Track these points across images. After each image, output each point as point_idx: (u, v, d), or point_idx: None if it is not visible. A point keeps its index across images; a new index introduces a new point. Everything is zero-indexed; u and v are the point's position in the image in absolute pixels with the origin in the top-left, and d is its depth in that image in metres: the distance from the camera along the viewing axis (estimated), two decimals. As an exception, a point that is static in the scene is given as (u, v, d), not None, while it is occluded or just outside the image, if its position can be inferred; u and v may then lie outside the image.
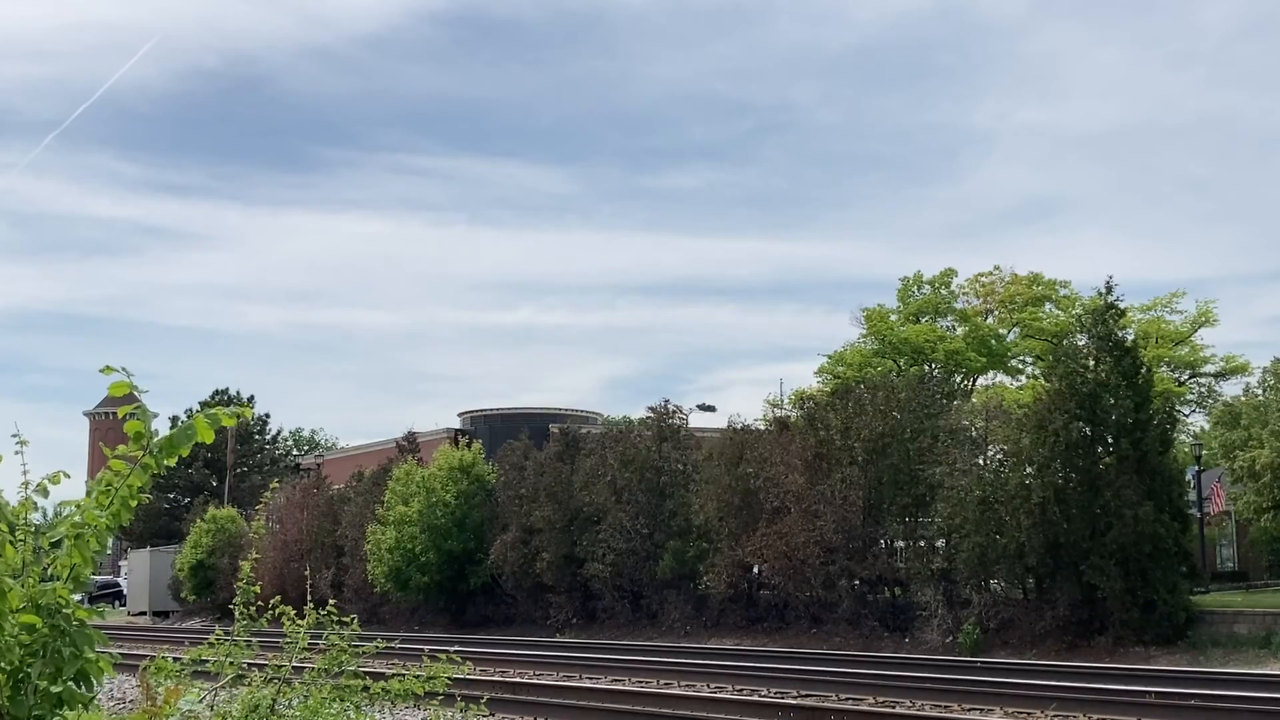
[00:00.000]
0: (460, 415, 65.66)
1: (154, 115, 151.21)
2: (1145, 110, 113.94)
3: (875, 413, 32.20)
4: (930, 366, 58.72)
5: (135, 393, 3.89)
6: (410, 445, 48.89)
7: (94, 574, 3.99)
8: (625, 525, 36.93)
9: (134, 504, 3.86)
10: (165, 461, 3.83)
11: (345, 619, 7.76)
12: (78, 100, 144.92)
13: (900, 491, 31.37)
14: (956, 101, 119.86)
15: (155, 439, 3.82)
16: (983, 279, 62.87)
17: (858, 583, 32.87)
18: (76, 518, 3.75)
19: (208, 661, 7.35)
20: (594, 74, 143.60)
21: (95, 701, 3.82)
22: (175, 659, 7.41)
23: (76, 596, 3.78)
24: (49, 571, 3.74)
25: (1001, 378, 62.25)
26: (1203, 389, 62.46)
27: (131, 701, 16.66)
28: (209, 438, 3.83)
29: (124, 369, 3.83)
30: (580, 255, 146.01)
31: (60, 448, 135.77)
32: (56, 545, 3.80)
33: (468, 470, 43.13)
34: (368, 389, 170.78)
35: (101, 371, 3.81)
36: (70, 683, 3.63)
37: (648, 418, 39.57)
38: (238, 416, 3.95)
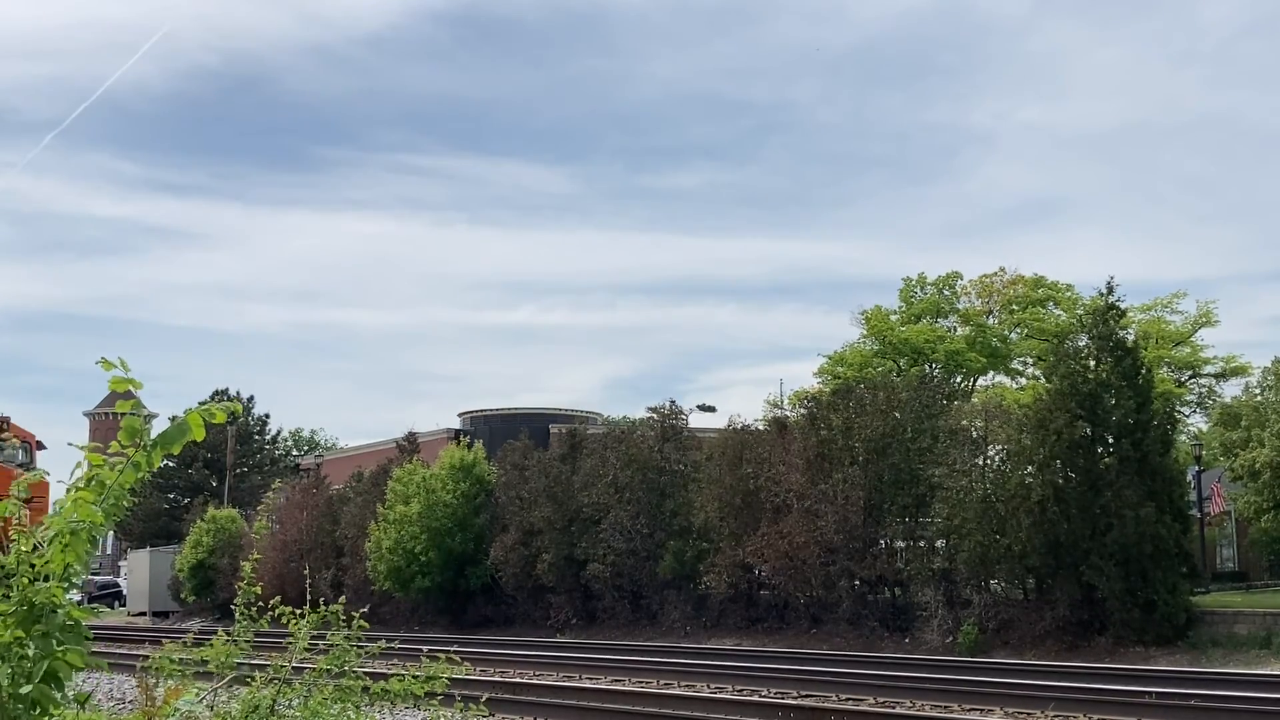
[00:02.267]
0: (460, 415, 65.72)
1: (154, 115, 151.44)
2: (1146, 110, 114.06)
3: (876, 412, 32.20)
4: (931, 367, 58.71)
5: (132, 389, 3.87)
6: (410, 445, 48.84)
7: (93, 574, 3.98)
8: (626, 525, 36.91)
9: (125, 503, 3.85)
10: (154, 461, 3.81)
11: (352, 615, 7.71)
12: (78, 100, 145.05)
13: (901, 491, 31.37)
14: (957, 101, 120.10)
15: (149, 436, 3.80)
16: (985, 279, 62.88)
17: (858, 583, 32.84)
18: (70, 515, 3.74)
19: (208, 661, 7.33)
20: (594, 74, 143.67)
21: (93, 700, 3.81)
22: (181, 660, 7.39)
23: (75, 596, 3.77)
24: (41, 570, 3.72)
25: (1001, 378, 62.27)
26: (1203, 389, 62.38)
27: (131, 701, 16.66)
28: (201, 434, 3.81)
29: (121, 360, 3.82)
30: (580, 255, 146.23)
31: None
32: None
33: (469, 471, 43.08)
34: (368, 389, 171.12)
35: (98, 364, 3.80)
36: (41, 684, 3.60)
37: (649, 418, 39.56)
38: (230, 411, 3.94)
